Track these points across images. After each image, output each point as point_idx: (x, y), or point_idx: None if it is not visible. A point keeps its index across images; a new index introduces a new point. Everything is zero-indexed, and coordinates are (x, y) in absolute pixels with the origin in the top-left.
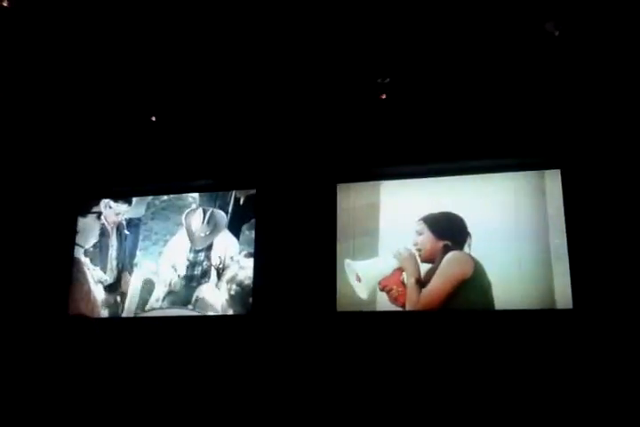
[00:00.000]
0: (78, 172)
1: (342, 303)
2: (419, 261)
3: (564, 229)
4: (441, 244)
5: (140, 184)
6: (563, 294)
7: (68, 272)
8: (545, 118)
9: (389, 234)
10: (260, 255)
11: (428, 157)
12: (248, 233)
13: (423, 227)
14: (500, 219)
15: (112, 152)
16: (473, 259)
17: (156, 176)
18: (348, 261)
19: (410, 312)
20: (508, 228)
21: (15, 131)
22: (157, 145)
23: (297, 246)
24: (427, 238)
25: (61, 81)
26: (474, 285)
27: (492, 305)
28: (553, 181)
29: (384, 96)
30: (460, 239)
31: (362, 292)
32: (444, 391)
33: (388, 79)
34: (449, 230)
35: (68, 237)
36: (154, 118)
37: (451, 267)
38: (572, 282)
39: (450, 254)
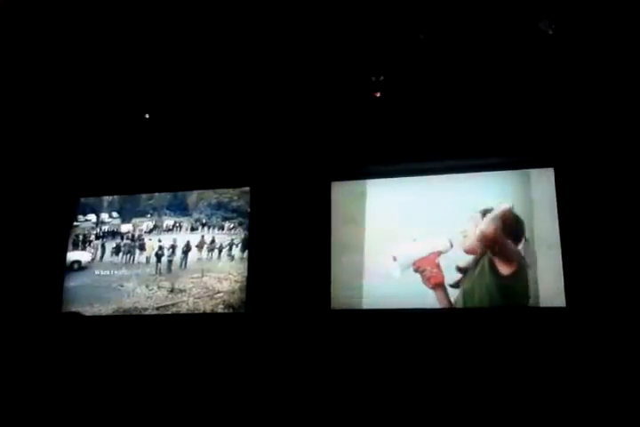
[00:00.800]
0: (72, 170)
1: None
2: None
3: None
4: (496, 234)
5: (133, 183)
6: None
7: (61, 269)
8: (537, 117)
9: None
10: (254, 253)
11: (422, 156)
12: None
13: (478, 217)
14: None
15: (104, 151)
16: (520, 254)
17: (149, 175)
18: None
19: (403, 310)
20: None
21: (10, 131)
22: (151, 143)
23: (291, 244)
24: (475, 229)
25: (54, 82)
26: (515, 280)
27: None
28: (539, 181)
29: (378, 94)
30: (516, 236)
31: (395, 271)
32: (437, 390)
33: (382, 77)
34: (507, 226)
35: (62, 234)
36: (147, 116)
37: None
38: (564, 280)
39: None
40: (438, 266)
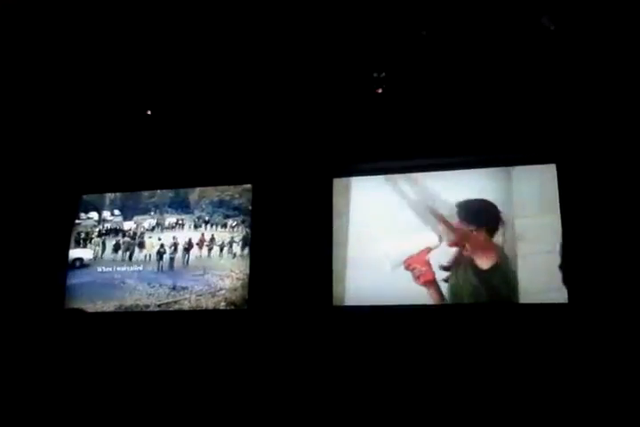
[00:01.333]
0: (74, 167)
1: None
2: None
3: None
4: (467, 229)
5: (135, 180)
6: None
7: (63, 266)
8: (539, 113)
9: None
10: (256, 251)
11: (425, 152)
12: None
13: (454, 212)
14: None
15: (106, 148)
16: (498, 247)
17: (151, 172)
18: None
19: (405, 307)
20: None
21: (11, 129)
22: (153, 140)
23: (293, 242)
24: (454, 223)
25: (55, 79)
26: (498, 273)
27: (517, 297)
28: (519, 178)
29: (380, 90)
30: (492, 226)
31: (386, 266)
32: (439, 388)
33: (384, 73)
34: (480, 217)
35: (64, 231)
36: (149, 112)
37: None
38: (569, 277)
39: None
40: (428, 263)
